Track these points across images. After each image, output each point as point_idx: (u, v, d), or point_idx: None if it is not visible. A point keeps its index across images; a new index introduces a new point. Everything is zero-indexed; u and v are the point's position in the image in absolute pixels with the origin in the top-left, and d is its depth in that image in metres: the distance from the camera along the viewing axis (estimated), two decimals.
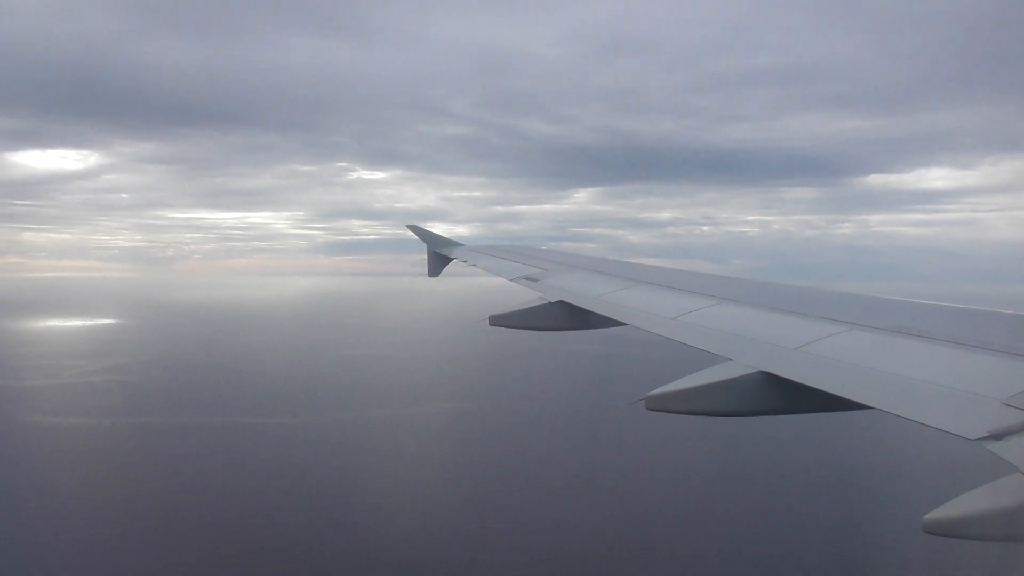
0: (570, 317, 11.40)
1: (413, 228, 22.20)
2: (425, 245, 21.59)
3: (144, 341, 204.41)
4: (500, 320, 11.86)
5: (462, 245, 20.66)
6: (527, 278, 13.89)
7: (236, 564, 56.35)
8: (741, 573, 57.71)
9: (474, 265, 17.46)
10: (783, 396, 6.77)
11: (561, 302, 11.49)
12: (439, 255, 20.67)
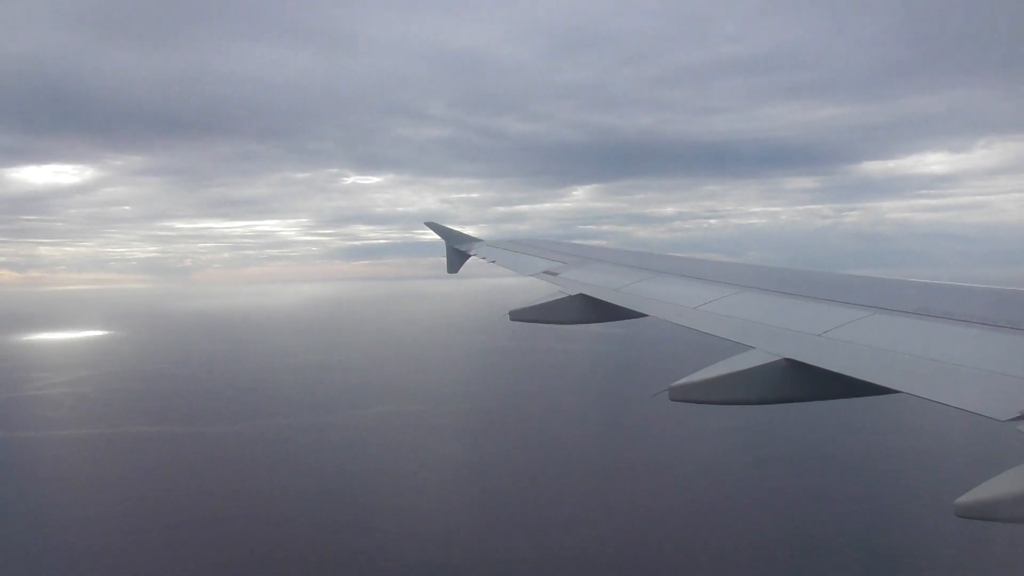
0: (590, 310, 11.34)
1: (431, 225, 22.05)
2: (444, 243, 21.40)
3: (123, 352, 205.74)
4: (520, 315, 11.78)
5: (481, 241, 20.50)
6: (546, 272, 13.82)
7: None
8: (769, 558, 57.39)
9: (493, 262, 17.33)
10: (808, 383, 6.71)
11: (581, 295, 11.42)
12: (458, 251, 20.54)
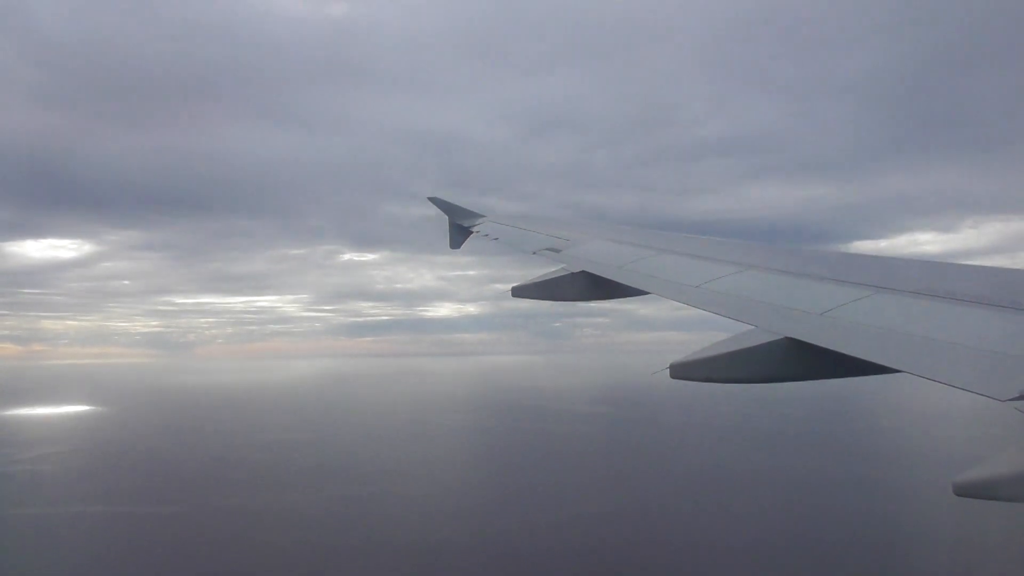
0: (592, 287, 11.24)
1: (434, 200, 21.28)
2: (447, 219, 20.49)
3: (99, 428, 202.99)
4: (522, 291, 11.77)
5: (483, 217, 19.63)
6: (549, 249, 13.48)
7: None
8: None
9: (496, 239, 16.73)
10: (809, 362, 6.64)
11: (584, 272, 11.31)
12: (460, 227, 19.72)
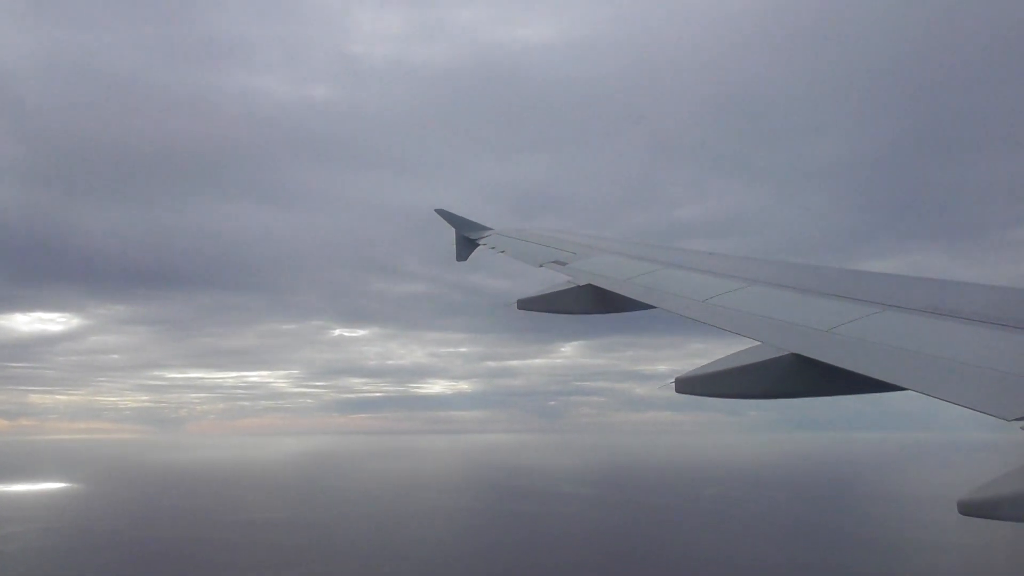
0: (598, 300, 11.19)
1: (441, 212, 21.09)
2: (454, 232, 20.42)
3: (71, 507, 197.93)
4: (528, 304, 11.77)
5: (490, 230, 19.50)
6: (556, 262, 13.49)
7: None
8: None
9: (502, 251, 16.52)
10: (815, 378, 6.59)
11: (590, 285, 11.28)
12: (467, 240, 19.63)
